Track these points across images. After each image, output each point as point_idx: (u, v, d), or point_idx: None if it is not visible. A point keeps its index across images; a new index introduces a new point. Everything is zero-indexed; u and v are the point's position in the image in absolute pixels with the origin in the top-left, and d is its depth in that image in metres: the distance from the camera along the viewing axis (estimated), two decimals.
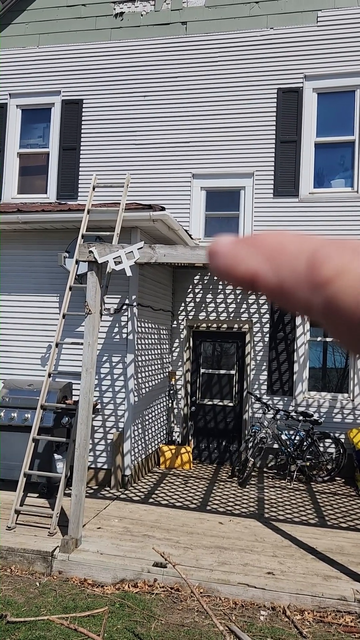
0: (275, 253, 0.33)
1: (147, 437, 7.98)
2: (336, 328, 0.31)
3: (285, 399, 8.64)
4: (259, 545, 5.33)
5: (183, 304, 9.16)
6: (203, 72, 9.16)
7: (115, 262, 5.12)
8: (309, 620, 4.18)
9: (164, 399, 8.94)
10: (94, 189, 6.97)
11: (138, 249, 5.02)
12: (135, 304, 7.18)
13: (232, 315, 8.94)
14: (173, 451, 8.48)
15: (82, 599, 4.40)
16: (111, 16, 9.58)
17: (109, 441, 7.17)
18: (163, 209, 6.72)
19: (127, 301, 7.20)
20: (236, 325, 8.92)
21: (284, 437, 7.94)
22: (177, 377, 9.14)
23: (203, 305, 9.08)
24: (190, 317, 9.13)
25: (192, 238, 8.36)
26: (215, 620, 3.41)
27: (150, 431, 8.14)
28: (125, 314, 7.21)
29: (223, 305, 8.99)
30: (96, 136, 9.57)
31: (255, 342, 8.82)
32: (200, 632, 3.94)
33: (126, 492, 6.97)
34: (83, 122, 9.64)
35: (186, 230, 8.00)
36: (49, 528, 5.43)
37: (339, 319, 0.31)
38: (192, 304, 9.13)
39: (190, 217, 9.11)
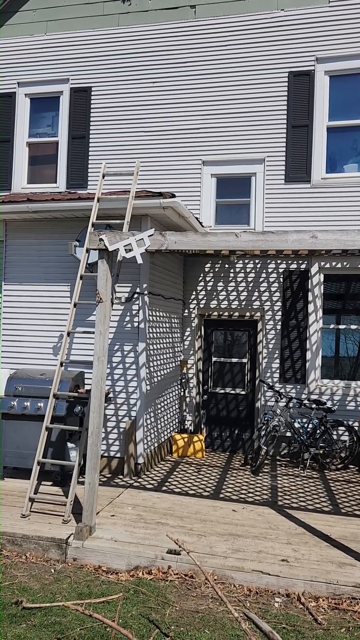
0: None
1: (159, 426, 7.99)
2: None
3: (298, 387, 8.59)
4: (272, 532, 5.32)
5: (194, 293, 9.12)
6: (213, 56, 9.03)
7: (125, 249, 5.09)
8: (324, 607, 4.16)
9: (176, 388, 8.93)
10: (103, 177, 6.92)
11: (149, 236, 4.97)
12: (146, 292, 7.15)
13: (243, 303, 8.89)
14: (185, 439, 8.49)
15: (96, 586, 4.43)
16: (119, 1, 9.46)
17: (121, 430, 7.19)
18: (173, 196, 6.66)
19: (138, 290, 7.17)
20: (248, 314, 8.86)
21: (296, 425, 7.90)
22: (188, 365, 9.12)
23: (214, 293, 9.02)
24: (201, 306, 9.09)
25: (202, 225, 8.29)
26: (230, 606, 3.40)
27: (162, 420, 8.15)
28: (137, 302, 7.19)
29: (234, 293, 8.93)
30: (105, 124, 9.49)
31: (267, 330, 8.76)
32: (215, 619, 3.95)
33: (139, 480, 6.99)
34: (92, 110, 9.57)
35: (197, 218, 7.93)
36: (63, 516, 5.46)
37: None
38: (203, 292, 9.09)
39: (201, 204, 9.04)
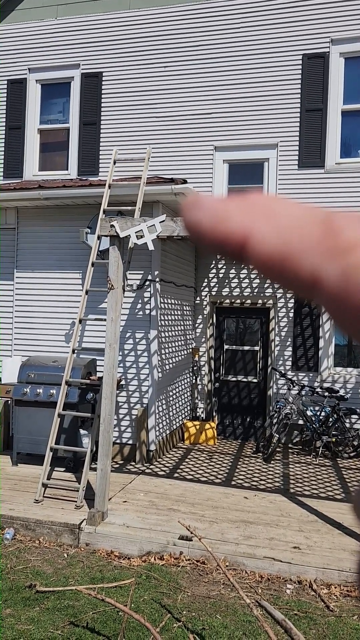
0: (276, 212, 0.27)
1: (171, 413, 8.00)
2: (346, 309, 0.25)
3: (311, 374, 8.53)
4: (284, 520, 5.31)
5: (206, 280, 9.07)
6: (225, 39, 8.87)
7: (137, 236, 5.05)
8: (336, 594, 4.16)
9: (188, 375, 8.93)
10: (114, 163, 6.87)
11: (160, 222, 4.93)
12: (157, 279, 7.11)
13: (256, 290, 8.82)
14: (197, 427, 8.50)
15: (109, 571, 4.46)
16: None
17: (133, 417, 7.21)
18: (185, 182, 6.60)
19: (149, 277, 7.14)
20: (260, 301, 8.79)
21: (309, 413, 7.86)
22: (200, 353, 9.10)
23: (226, 280, 8.96)
24: (213, 293, 9.03)
25: None
26: (242, 593, 3.41)
27: (174, 407, 8.15)
28: (148, 290, 7.16)
29: (247, 280, 8.86)
30: (116, 110, 9.40)
31: (279, 318, 8.69)
32: (227, 604, 3.96)
33: (151, 467, 7.02)
34: (103, 96, 9.48)
35: None
36: (76, 501, 5.51)
37: (355, 296, 0.24)
38: (215, 280, 9.03)
39: (213, 191, 8.94)
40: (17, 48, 9.95)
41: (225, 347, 9.11)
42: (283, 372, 8.46)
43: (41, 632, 3.52)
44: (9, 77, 9.99)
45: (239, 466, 7.25)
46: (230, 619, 3.76)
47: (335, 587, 4.24)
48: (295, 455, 7.91)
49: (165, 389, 7.65)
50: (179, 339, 8.30)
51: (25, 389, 6.71)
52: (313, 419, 7.85)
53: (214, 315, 9.14)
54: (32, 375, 6.81)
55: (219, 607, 3.92)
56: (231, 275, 8.93)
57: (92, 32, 9.55)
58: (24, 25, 9.91)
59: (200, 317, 9.11)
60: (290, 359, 8.62)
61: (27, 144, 9.89)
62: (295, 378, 8.57)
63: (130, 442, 7.24)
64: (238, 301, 8.92)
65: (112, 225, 5.08)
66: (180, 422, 8.57)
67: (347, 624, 3.75)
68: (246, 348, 9.02)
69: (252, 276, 8.84)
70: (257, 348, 8.95)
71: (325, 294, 0.25)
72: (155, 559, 4.66)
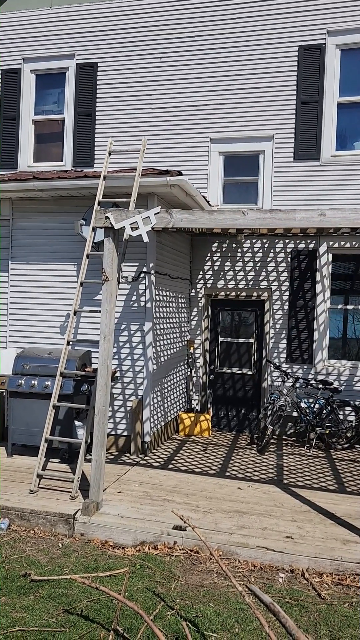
0: None
1: (166, 405, 8.03)
2: None
3: (305, 367, 8.57)
4: (277, 510, 5.36)
5: (201, 272, 9.07)
6: (221, 30, 8.82)
7: (131, 227, 5.05)
8: (328, 583, 4.21)
9: (183, 368, 8.95)
10: (109, 154, 6.85)
11: (155, 214, 4.93)
12: (152, 271, 7.12)
13: (251, 283, 8.84)
14: (192, 419, 8.54)
15: (103, 560, 4.50)
16: None
17: (128, 408, 7.23)
18: (180, 174, 6.58)
19: (144, 269, 7.14)
20: (255, 294, 8.82)
21: (303, 405, 7.91)
22: (195, 345, 9.13)
23: (222, 273, 8.97)
24: (208, 286, 9.05)
25: (210, 204, 8.21)
26: (234, 581, 3.45)
27: (169, 399, 8.19)
28: (143, 282, 7.17)
29: (242, 273, 8.88)
30: (111, 101, 9.36)
31: (274, 310, 8.72)
32: (220, 593, 4.01)
33: (146, 458, 7.05)
34: (98, 87, 9.43)
35: (204, 197, 7.84)
36: (71, 492, 5.54)
37: None
38: (210, 272, 9.04)
39: (208, 183, 8.93)
40: (11, 37, 9.87)
41: (220, 339, 9.14)
42: (277, 364, 8.50)
43: (36, 619, 3.56)
44: (3, 66, 9.92)
45: (233, 457, 7.30)
46: (223, 606, 3.81)
47: (327, 576, 4.29)
48: (289, 447, 7.97)
49: (160, 381, 7.68)
50: (174, 331, 8.32)
51: (20, 381, 6.72)
52: (307, 410, 7.90)
53: (209, 307, 9.16)
54: (27, 367, 6.82)
55: (212, 596, 3.96)
56: (226, 268, 8.94)
57: (87, 22, 9.48)
58: (18, 14, 9.83)
59: (195, 309, 9.13)
60: (285, 351, 8.66)
61: (21, 134, 9.84)
62: (289, 370, 8.62)
63: (125, 433, 7.27)
64: (233, 293, 8.94)
65: (106, 217, 5.07)
66: (175, 414, 8.61)
67: (338, 611, 3.81)
68: (241, 340, 9.05)
69: (247, 269, 8.85)
70: (251, 340, 8.98)
71: None
72: (149, 549, 4.70)
